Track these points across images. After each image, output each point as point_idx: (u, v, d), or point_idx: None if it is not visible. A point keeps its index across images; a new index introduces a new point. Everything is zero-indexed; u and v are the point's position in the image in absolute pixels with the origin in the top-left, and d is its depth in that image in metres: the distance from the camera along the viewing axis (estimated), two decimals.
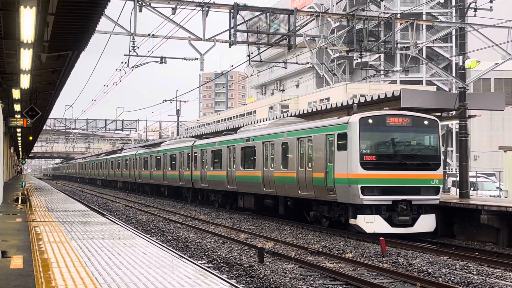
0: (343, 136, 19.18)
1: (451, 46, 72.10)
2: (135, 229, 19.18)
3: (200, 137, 40.57)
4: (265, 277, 12.07)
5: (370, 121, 19.00)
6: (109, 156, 66.78)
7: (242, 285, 11.50)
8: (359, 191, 18.31)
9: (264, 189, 24.94)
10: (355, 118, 19.03)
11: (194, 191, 36.00)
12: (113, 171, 62.11)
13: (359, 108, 22.14)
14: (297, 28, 24.05)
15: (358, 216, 18.44)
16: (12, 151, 60.72)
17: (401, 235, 18.54)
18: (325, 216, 20.96)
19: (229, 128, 40.87)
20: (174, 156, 38.90)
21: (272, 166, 24.30)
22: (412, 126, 19.54)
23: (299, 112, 30.50)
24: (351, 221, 18.77)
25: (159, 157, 43.07)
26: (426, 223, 18.81)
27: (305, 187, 21.38)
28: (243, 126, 33.76)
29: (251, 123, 35.73)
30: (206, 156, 32.49)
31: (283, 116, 31.31)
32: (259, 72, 77.03)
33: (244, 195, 27.77)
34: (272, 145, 24.40)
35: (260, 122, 33.67)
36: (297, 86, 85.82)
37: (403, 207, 18.48)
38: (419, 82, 71.66)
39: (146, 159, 47.12)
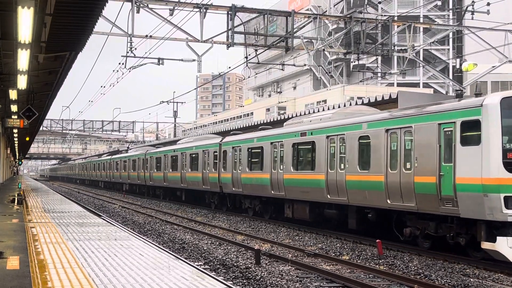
0: (472, 125, 14.05)
1: (448, 49, 72.26)
2: (132, 231, 19.16)
3: (225, 133, 34.98)
4: (261, 279, 12.06)
5: None
6: (114, 156, 61.05)
7: (238, 287, 11.49)
8: (502, 203, 13.27)
9: (329, 196, 19.66)
10: (494, 99, 13.85)
11: (222, 196, 30.45)
12: (119, 172, 56.87)
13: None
14: (294, 30, 24.07)
15: (499, 238, 13.30)
16: (8, 151, 60.64)
17: None
18: (430, 234, 15.87)
19: (233, 128, 40.19)
20: (196, 155, 33.38)
21: (342, 167, 19.07)
22: None
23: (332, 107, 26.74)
24: (485, 245, 13.61)
25: (175, 157, 37.40)
26: None
27: (400, 195, 16.23)
28: (290, 117, 28.50)
29: (301, 114, 29.37)
30: (240, 155, 27.13)
31: (348, 105, 25.11)
32: (256, 73, 76.93)
33: (294, 203, 22.42)
34: (343, 139, 19.11)
35: (316, 112, 26.36)
36: (294, 88, 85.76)
37: None
38: (416, 85, 71.78)
39: (159, 158, 41.59)
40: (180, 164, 36.36)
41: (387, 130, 16.96)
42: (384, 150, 16.96)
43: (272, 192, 23.78)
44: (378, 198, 17.12)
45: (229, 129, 41.92)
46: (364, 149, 18.04)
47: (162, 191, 42.76)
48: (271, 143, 24.14)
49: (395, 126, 16.67)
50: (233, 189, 27.75)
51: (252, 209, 26.87)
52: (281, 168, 23.10)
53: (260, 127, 29.05)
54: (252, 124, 36.58)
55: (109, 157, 64.36)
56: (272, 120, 35.44)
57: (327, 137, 20.01)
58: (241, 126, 39.49)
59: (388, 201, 16.68)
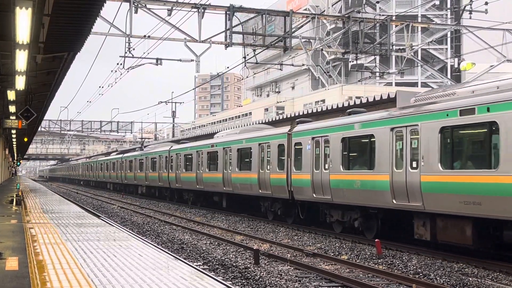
0: None
1: (447, 48, 72.35)
2: (131, 231, 19.15)
3: (280, 123, 29.31)
4: (260, 279, 12.07)
5: None
6: (127, 155, 53.93)
7: (237, 286, 11.49)
8: None
9: None
10: None
11: (291, 203, 22.97)
12: (133, 172, 49.75)
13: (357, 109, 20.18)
14: (292, 30, 24.09)
15: None
16: (7, 152, 60.61)
17: None
18: None
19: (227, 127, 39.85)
20: (247, 150, 26.41)
21: None
22: None
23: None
24: None
25: (214, 153, 30.44)
26: None
27: None
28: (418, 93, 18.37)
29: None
30: (329, 149, 19.79)
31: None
32: (254, 73, 77.00)
33: (435, 217, 15.22)
34: None
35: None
36: (293, 88, 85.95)
37: None
38: (414, 84, 71.86)
39: (189, 156, 34.60)
40: (221, 162, 29.05)
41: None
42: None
43: (395, 201, 16.23)
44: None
45: (227, 128, 41.43)
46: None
47: (193, 195, 35.17)
48: (393, 129, 16.57)
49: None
50: (314, 195, 20.62)
51: (341, 224, 19.73)
52: (423, 165, 15.40)
53: (349, 110, 20.89)
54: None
55: (119, 155, 57.33)
56: (272, 120, 35.30)
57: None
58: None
59: None
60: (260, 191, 24.77)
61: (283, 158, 23.03)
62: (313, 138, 20.86)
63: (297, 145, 22.01)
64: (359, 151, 18.59)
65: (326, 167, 19.92)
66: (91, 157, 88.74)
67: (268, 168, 24.11)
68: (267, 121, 35.09)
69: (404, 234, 17.40)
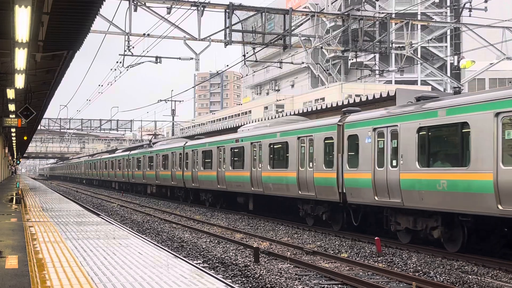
0: None
1: (446, 46, 72.35)
2: (130, 229, 19.15)
3: (323, 113, 25.49)
4: (260, 277, 12.07)
5: None
6: (134, 152, 50.21)
7: (237, 285, 11.49)
8: None
9: None
10: None
11: (341, 207, 19.57)
12: (141, 171, 45.97)
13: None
14: (292, 28, 24.08)
15: None
16: (6, 151, 60.62)
17: None
18: None
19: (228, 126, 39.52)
20: (284, 145, 22.65)
21: None
22: None
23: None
24: None
25: (239, 149, 26.70)
26: None
27: None
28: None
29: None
30: (402, 142, 16.16)
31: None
32: (254, 72, 77.00)
33: None
34: None
35: None
36: (292, 86, 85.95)
37: None
38: (414, 82, 71.88)
39: (207, 152, 30.89)
40: (249, 159, 25.61)
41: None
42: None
43: (500, 207, 13.01)
44: None
45: (226, 127, 40.94)
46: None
47: (211, 196, 31.72)
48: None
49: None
50: (376, 198, 17.18)
51: (411, 233, 16.61)
52: None
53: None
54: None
55: (126, 153, 54.36)
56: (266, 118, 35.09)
57: None
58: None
59: None
60: (300, 192, 21.33)
61: (331, 154, 19.47)
62: (375, 129, 17.37)
63: (352, 138, 18.47)
64: (444, 144, 15.38)
65: (394, 163, 16.50)
66: (94, 154, 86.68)
67: (311, 165, 20.59)
68: (269, 118, 34.95)
69: (499, 248, 14.52)
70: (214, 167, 29.59)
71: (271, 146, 23.70)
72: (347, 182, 18.53)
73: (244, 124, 33.15)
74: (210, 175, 30.14)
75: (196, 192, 34.42)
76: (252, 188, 25.27)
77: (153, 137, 61.59)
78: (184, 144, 35.61)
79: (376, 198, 17.10)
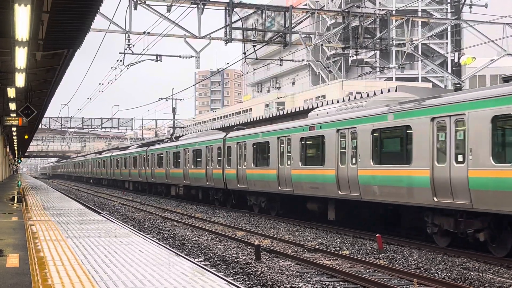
0: None
1: (447, 43, 72.26)
2: (132, 227, 19.16)
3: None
4: (262, 274, 12.07)
5: None
6: (153, 147, 44.15)
7: (239, 282, 11.49)
8: None
9: None
10: None
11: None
12: (163, 169, 40.03)
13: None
14: (292, 26, 24.06)
15: None
16: (7, 150, 60.65)
17: None
18: None
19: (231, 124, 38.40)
20: (402, 132, 16.18)
21: None
22: None
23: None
24: None
25: (318, 139, 20.61)
26: None
27: None
28: None
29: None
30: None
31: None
32: (254, 69, 76.85)
33: None
34: None
35: None
36: (293, 83, 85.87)
37: None
38: (414, 79, 71.81)
39: (264, 146, 24.91)
40: (333, 153, 19.42)
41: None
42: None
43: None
44: None
45: (226, 125, 40.49)
46: None
47: (266, 200, 25.51)
48: None
49: None
50: (435, 199, 14.78)
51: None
52: None
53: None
54: None
55: (142, 148, 48.30)
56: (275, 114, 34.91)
57: None
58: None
59: None
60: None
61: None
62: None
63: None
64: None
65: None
66: (102, 151, 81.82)
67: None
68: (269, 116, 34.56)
69: None
70: (273, 164, 23.71)
71: (377, 133, 16.93)
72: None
73: (317, 107, 24.91)
74: (266, 173, 24.32)
75: (243, 195, 28.15)
76: (340, 192, 18.87)
77: (173, 131, 56.11)
78: (225, 136, 29.43)
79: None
